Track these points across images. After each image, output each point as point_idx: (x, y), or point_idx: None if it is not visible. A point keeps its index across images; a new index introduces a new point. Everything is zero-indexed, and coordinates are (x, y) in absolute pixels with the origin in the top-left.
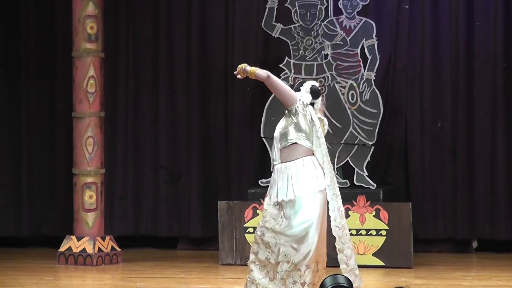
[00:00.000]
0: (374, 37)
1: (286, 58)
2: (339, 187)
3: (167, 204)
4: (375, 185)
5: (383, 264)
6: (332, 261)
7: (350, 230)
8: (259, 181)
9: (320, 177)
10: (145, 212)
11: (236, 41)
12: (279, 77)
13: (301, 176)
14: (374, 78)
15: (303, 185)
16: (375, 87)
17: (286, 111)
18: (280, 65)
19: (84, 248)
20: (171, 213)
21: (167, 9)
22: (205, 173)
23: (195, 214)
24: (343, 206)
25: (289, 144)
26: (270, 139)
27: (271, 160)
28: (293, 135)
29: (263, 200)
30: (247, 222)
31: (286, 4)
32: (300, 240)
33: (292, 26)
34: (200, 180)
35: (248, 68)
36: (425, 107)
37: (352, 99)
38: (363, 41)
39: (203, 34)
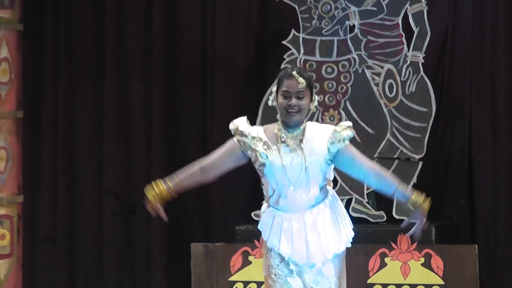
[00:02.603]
0: (422, 0)
1: (293, 31)
2: (372, 221)
3: (115, 249)
4: None
5: None
6: None
7: (387, 285)
8: (253, 214)
9: None
10: (84, 259)
11: (218, 8)
12: (282, 59)
13: None
14: (423, 61)
15: None
16: (424, 75)
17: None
18: (284, 42)
19: None
20: (121, 261)
21: None
22: (171, 202)
23: (157, 262)
24: (378, 248)
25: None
26: None
27: None
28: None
29: (258, 242)
30: (234, 274)
31: None
32: None
33: None
34: (165, 212)
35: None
36: (499, 104)
37: (391, 92)
38: (407, 6)
39: None
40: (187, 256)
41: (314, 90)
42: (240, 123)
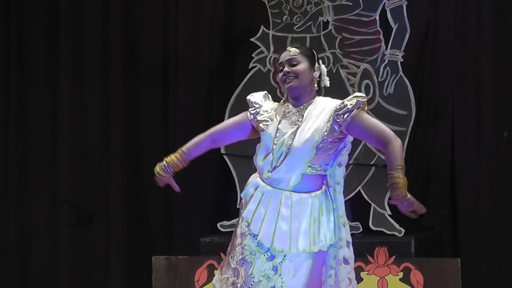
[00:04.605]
0: None
1: (262, 27)
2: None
3: (71, 261)
4: (403, 230)
5: None
6: None
7: None
8: (219, 225)
9: None
10: (37, 273)
11: (181, 2)
12: (251, 58)
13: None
14: (402, 60)
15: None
16: (403, 75)
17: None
18: (252, 39)
19: None
20: (77, 274)
21: None
22: (131, 211)
23: (115, 276)
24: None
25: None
26: (237, 157)
27: (238, 192)
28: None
29: (224, 255)
30: None
31: None
32: None
33: None
34: (124, 222)
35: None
36: (483, 107)
37: (367, 94)
38: (385, 1)
39: None
40: (148, 269)
41: (316, 60)
42: (257, 94)
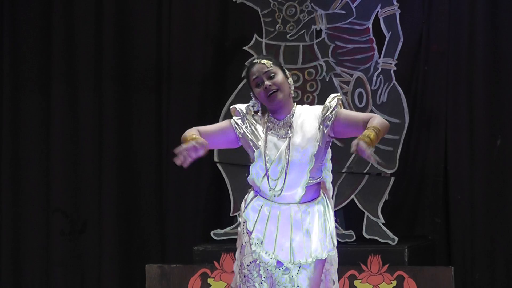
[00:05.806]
0: (395, 3)
1: (255, 36)
2: (340, 241)
3: (64, 270)
4: (396, 238)
5: None
6: None
7: None
8: (212, 233)
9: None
10: (30, 281)
11: (174, 11)
12: (244, 66)
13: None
14: (395, 68)
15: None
16: (396, 83)
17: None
18: (246, 48)
19: None
20: (70, 283)
21: None
22: (124, 219)
23: (109, 285)
24: (347, 270)
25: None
26: (230, 165)
27: (231, 200)
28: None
29: (217, 263)
30: None
31: None
32: None
33: None
34: (117, 231)
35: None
36: (476, 115)
37: (360, 102)
38: (378, 9)
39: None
40: (142, 278)
41: (284, 67)
42: (240, 106)
